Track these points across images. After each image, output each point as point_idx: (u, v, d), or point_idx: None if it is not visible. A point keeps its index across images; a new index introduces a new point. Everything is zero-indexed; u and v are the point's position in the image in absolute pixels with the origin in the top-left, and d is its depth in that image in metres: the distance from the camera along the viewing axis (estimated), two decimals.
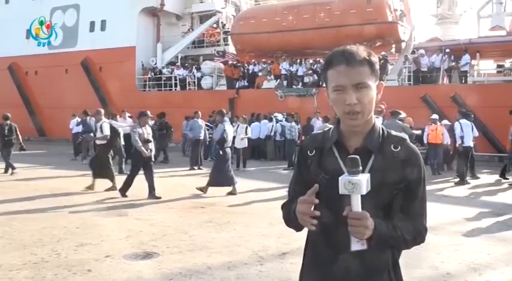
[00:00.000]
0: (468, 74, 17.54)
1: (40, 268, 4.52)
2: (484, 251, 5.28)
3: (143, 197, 8.61)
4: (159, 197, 8.55)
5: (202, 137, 13.81)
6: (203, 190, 9.08)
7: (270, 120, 16.21)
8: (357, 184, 1.38)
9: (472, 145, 11.13)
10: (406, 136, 1.64)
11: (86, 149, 15.08)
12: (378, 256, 1.56)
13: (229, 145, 9.54)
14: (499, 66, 20.96)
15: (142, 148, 8.59)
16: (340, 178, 1.42)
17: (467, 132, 10.92)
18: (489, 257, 5.11)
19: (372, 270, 1.57)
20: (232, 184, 9.08)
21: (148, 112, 9.16)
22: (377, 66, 1.58)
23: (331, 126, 1.69)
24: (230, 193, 9.04)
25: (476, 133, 11.47)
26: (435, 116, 12.95)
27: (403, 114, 11.32)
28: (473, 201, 8.62)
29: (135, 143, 8.68)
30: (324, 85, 1.63)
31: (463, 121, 11.09)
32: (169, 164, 14.38)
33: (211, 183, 9.10)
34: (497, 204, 8.42)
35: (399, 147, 1.58)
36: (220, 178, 9.08)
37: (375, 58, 1.58)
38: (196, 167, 13.36)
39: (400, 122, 10.03)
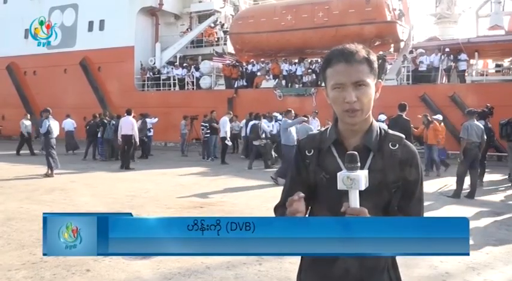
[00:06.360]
0: (466, 74, 17.56)
1: (39, 268, 4.52)
2: (482, 251, 5.29)
3: (141, 196, 8.59)
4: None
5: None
6: (49, 175, 11.42)
7: (270, 119, 16.09)
8: (355, 179, 1.38)
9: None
10: (403, 135, 1.65)
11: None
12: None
13: (55, 136, 11.84)
14: (497, 65, 20.98)
15: None
16: (338, 174, 1.41)
17: None
18: (488, 256, 5.11)
19: (372, 270, 1.56)
20: (55, 167, 11.61)
21: None
22: (375, 65, 1.58)
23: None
24: (46, 175, 11.45)
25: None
26: (439, 116, 12.63)
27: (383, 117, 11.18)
28: (472, 200, 8.61)
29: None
30: (323, 84, 1.62)
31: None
32: (167, 164, 14.36)
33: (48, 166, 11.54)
34: (496, 203, 8.43)
35: (397, 145, 1.59)
36: (50, 161, 11.53)
37: (373, 57, 1.58)
38: (279, 178, 9.98)
39: (481, 123, 9.06)
